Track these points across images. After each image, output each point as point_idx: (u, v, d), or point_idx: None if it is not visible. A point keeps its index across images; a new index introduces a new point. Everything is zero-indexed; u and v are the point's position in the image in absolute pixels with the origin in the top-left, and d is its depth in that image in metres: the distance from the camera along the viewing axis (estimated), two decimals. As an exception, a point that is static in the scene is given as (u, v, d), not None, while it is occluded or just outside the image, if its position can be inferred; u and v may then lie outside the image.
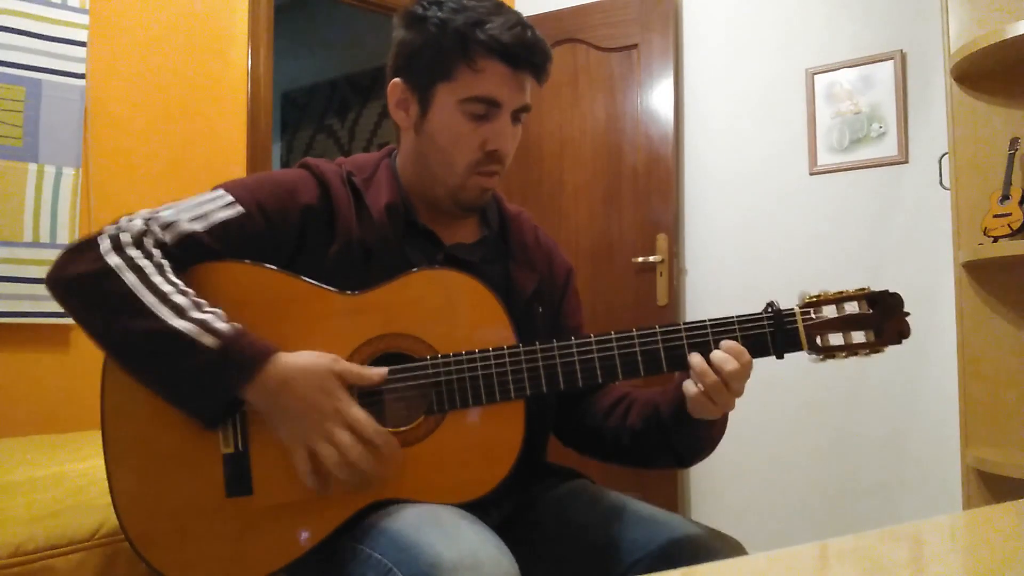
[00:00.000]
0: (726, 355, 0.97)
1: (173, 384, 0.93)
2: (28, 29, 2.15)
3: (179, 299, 0.92)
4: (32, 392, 2.16)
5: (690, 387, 0.99)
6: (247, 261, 1.01)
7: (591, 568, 1.07)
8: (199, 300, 0.94)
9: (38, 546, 1.10)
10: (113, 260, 0.94)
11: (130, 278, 0.92)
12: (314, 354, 0.95)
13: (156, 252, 0.96)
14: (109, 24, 2.34)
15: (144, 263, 0.94)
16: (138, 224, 0.98)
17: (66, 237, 2.18)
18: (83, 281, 0.94)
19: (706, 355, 0.98)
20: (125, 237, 0.96)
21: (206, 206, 1.02)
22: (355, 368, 0.97)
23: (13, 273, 2.11)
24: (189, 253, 0.98)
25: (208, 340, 0.90)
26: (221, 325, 0.91)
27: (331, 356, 0.96)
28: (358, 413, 0.94)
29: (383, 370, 0.98)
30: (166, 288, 0.92)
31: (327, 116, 4.72)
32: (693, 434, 1.04)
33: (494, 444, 1.00)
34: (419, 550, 0.86)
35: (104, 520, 1.16)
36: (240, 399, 0.93)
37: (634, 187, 2.93)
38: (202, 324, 0.91)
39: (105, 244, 0.96)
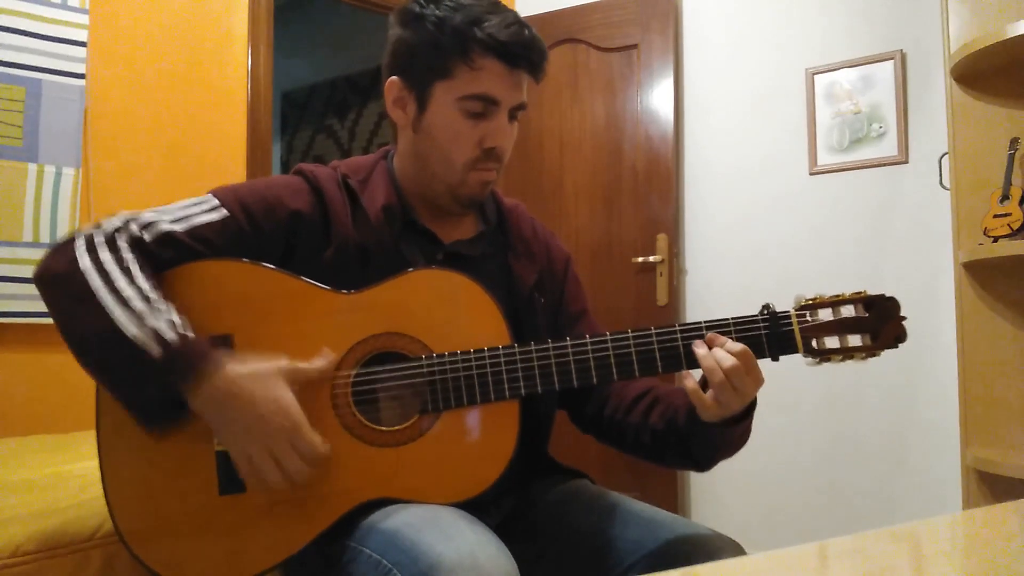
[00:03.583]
0: (725, 352, 0.97)
1: (120, 388, 0.92)
2: (28, 29, 2.15)
3: (138, 305, 0.91)
4: (32, 392, 2.16)
5: (691, 387, 0.99)
6: (244, 260, 1.01)
7: (590, 568, 1.07)
8: (159, 307, 0.92)
9: (38, 546, 1.09)
10: (83, 262, 0.94)
11: (95, 281, 0.92)
12: (261, 362, 0.94)
13: (128, 254, 0.96)
14: (109, 24, 2.34)
15: (111, 267, 0.94)
16: (115, 222, 0.98)
17: (66, 237, 2.18)
18: (54, 280, 0.95)
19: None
20: (98, 238, 0.96)
21: (189, 209, 1.02)
22: (303, 366, 0.96)
23: (13, 273, 2.11)
24: (167, 252, 0.98)
25: (154, 349, 0.89)
26: (171, 335, 0.90)
27: (281, 361, 0.95)
28: (311, 437, 0.94)
29: (329, 358, 0.98)
30: (127, 293, 0.92)
31: (327, 116, 4.72)
32: (707, 438, 1.03)
33: (489, 443, 1.00)
34: (419, 551, 0.86)
35: (104, 520, 1.16)
36: (185, 405, 0.92)
37: (634, 187, 2.93)
38: (154, 333, 0.90)
39: (79, 246, 0.96)
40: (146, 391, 0.91)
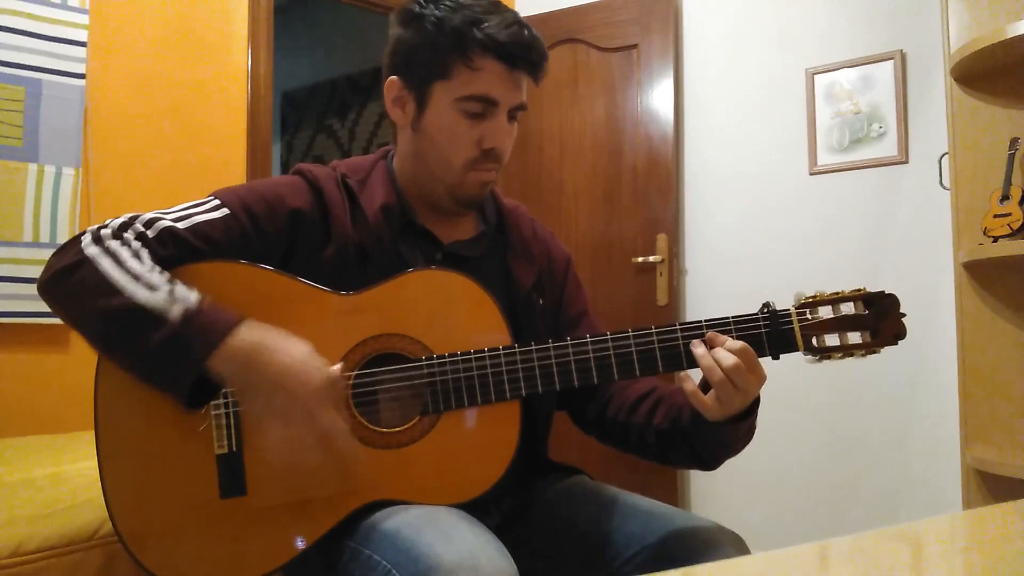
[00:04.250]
0: (725, 352, 0.97)
1: (145, 360, 0.91)
2: (28, 29, 2.15)
3: (151, 277, 0.92)
4: (32, 392, 2.15)
5: (689, 390, 0.99)
6: (242, 261, 1.01)
7: (591, 563, 1.07)
8: (173, 280, 0.93)
9: (38, 546, 1.10)
10: (91, 250, 0.94)
11: (105, 263, 0.93)
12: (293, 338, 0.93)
13: (135, 242, 0.96)
14: (109, 24, 2.34)
15: (120, 250, 0.94)
16: (121, 219, 0.99)
17: (66, 237, 2.18)
18: (63, 273, 0.94)
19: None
20: (105, 231, 0.97)
21: (191, 209, 1.03)
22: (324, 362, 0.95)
23: (13, 273, 2.11)
24: (169, 249, 0.98)
25: (175, 312, 0.89)
26: (190, 297, 0.91)
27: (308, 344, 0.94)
28: (333, 420, 0.92)
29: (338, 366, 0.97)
30: (139, 269, 0.92)
31: (327, 116, 4.72)
32: (711, 437, 1.03)
33: (490, 444, 1.00)
34: (418, 552, 0.86)
35: (104, 520, 1.16)
36: (210, 371, 0.90)
37: (634, 187, 2.93)
38: (170, 298, 0.90)
39: (86, 239, 0.97)
40: (168, 357, 0.90)
